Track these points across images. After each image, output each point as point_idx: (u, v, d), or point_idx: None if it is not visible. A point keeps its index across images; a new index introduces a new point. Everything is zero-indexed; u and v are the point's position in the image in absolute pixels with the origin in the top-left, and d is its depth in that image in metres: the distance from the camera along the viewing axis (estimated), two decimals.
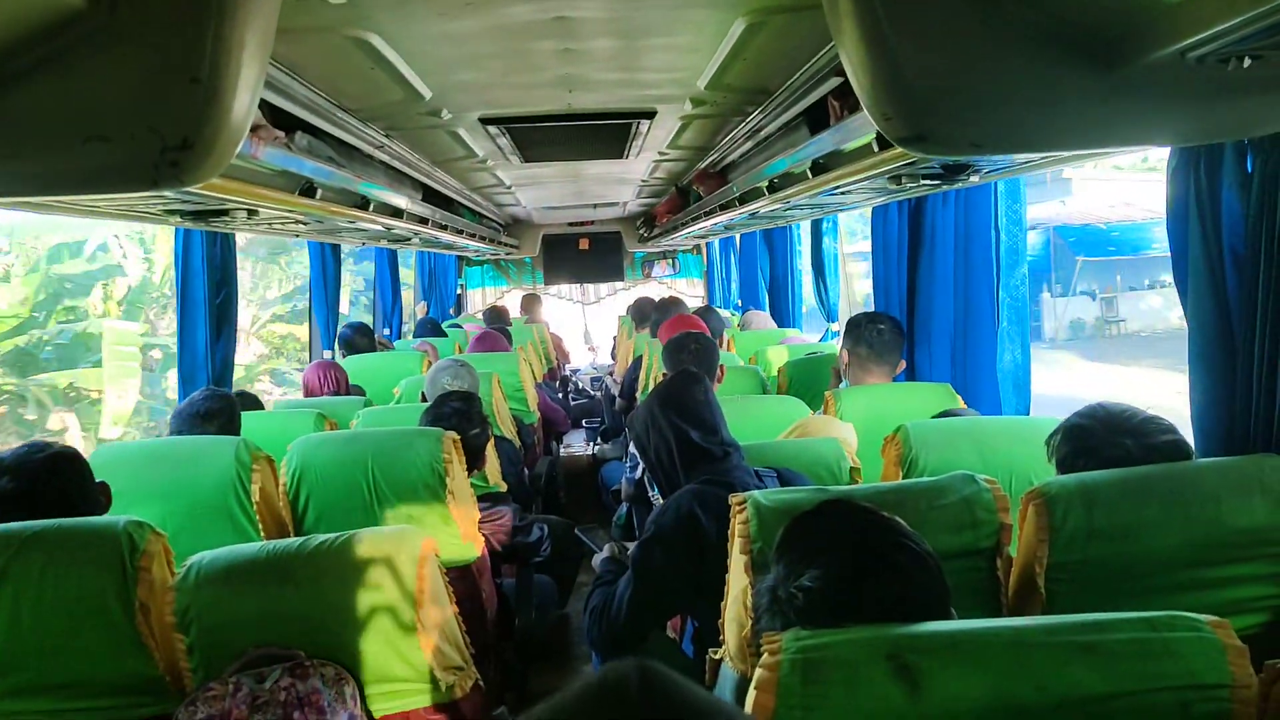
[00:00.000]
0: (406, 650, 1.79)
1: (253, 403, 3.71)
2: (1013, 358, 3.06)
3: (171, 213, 2.49)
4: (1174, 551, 1.69)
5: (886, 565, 1.26)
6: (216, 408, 2.90)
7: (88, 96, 1.49)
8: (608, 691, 0.57)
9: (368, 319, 7.01)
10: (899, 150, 2.03)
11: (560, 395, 7.64)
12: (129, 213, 2.50)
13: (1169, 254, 2.04)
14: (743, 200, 3.90)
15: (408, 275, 8.84)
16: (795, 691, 1.07)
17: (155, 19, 1.45)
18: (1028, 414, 3.07)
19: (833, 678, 1.06)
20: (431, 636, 1.81)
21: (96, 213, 2.39)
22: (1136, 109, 1.56)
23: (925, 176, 2.38)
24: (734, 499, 1.78)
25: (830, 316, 5.65)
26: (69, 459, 2.09)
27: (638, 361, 5.55)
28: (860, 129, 2.20)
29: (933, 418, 2.70)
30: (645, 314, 6.92)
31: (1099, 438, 1.86)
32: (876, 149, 2.14)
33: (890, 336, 3.22)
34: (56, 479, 2.03)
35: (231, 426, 2.93)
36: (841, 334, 3.36)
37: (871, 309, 3.73)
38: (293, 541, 1.84)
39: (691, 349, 3.56)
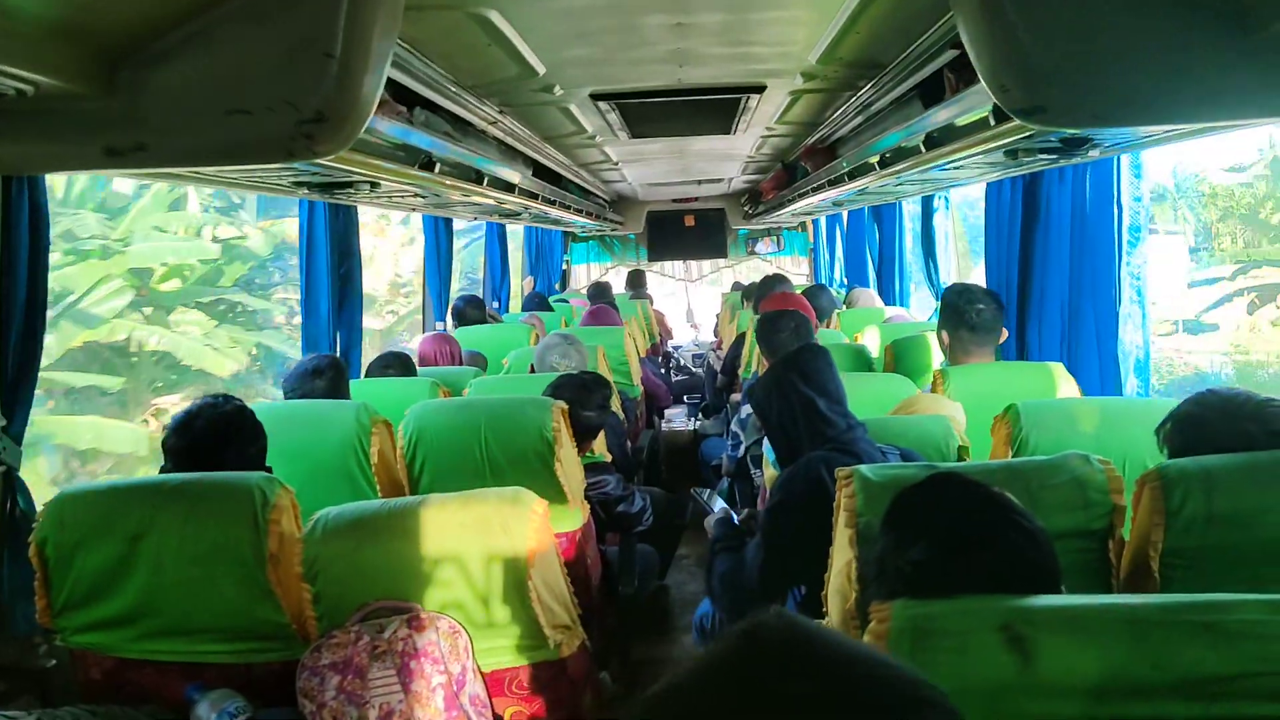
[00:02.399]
0: (517, 607, 1.86)
1: (405, 361, 3.78)
2: (1134, 340, 2.96)
3: (300, 184, 2.60)
4: None
5: (996, 540, 1.26)
6: (324, 364, 3.05)
7: (229, 72, 1.58)
8: (754, 641, 0.60)
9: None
10: (1016, 123, 2.00)
11: (662, 371, 7.68)
12: (261, 184, 2.62)
13: None
14: (851, 176, 3.86)
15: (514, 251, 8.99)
16: (904, 659, 1.08)
17: None
18: (1148, 396, 2.98)
19: (943, 645, 1.07)
20: (541, 595, 1.88)
21: (231, 184, 2.52)
22: (1274, 77, 1.49)
23: (1043, 151, 2.32)
24: (840, 472, 1.79)
25: (938, 295, 5.54)
26: (256, 431, 2.24)
27: (740, 339, 5.55)
28: (976, 102, 2.16)
29: None
30: (748, 293, 6.92)
31: (1216, 425, 1.80)
32: (993, 122, 2.10)
33: (990, 315, 3.09)
34: (240, 449, 2.16)
35: (341, 381, 3.06)
36: (939, 313, 3.26)
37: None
38: (413, 499, 1.93)
39: (791, 328, 3.55)
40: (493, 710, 1.87)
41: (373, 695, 1.78)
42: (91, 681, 1.94)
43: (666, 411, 6.86)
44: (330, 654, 1.81)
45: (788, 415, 2.37)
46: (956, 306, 3.14)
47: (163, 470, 2.11)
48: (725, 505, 2.65)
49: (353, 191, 2.69)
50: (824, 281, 8.44)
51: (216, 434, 2.13)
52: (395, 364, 3.77)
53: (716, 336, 8.34)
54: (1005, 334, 3.28)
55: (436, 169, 2.78)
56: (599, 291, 7.49)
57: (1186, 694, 1.03)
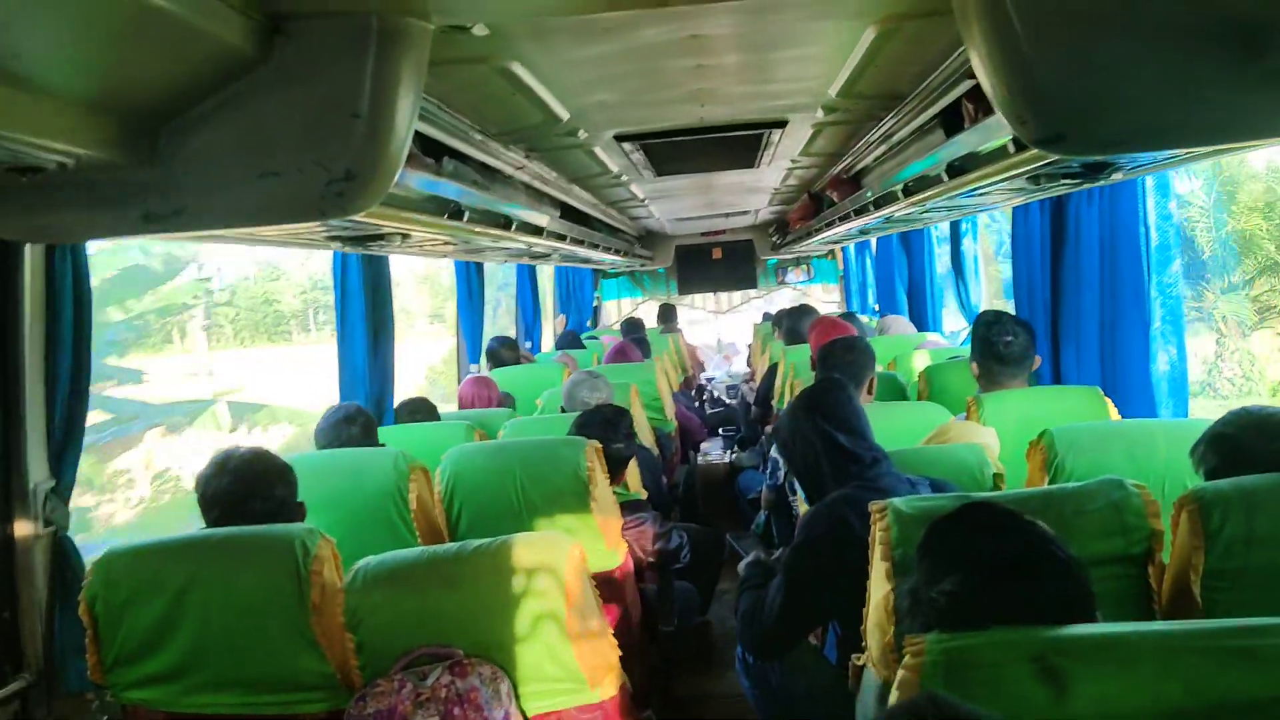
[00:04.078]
0: (558, 650, 1.87)
1: (428, 409, 3.89)
2: (1168, 358, 2.94)
3: (333, 239, 2.66)
4: None
5: (1028, 570, 1.26)
6: (354, 412, 3.12)
7: (261, 136, 1.63)
8: None
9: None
10: (1036, 151, 2.01)
11: (696, 404, 7.69)
12: (294, 240, 2.68)
13: None
14: (877, 205, 3.87)
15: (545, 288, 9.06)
16: (938, 691, 1.08)
17: (318, 59, 1.59)
18: (1185, 416, 2.94)
19: (976, 679, 1.07)
20: (581, 638, 1.89)
21: (265, 241, 2.58)
22: None
23: (1065, 176, 2.33)
24: (874, 506, 1.79)
25: (970, 318, 5.51)
26: (285, 473, 2.26)
27: (773, 369, 5.55)
28: (997, 130, 2.17)
29: None
30: (779, 323, 6.92)
31: (1251, 445, 1.79)
32: (1013, 150, 2.12)
33: (1020, 345, 3.05)
34: (267, 492, 2.19)
35: (372, 429, 3.13)
36: (970, 343, 3.22)
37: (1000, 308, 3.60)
38: (451, 546, 1.96)
39: (846, 359, 3.41)
40: None
41: None
42: None
43: (702, 445, 6.86)
44: (375, 703, 1.83)
45: (810, 454, 2.38)
46: (986, 339, 3.10)
47: (206, 525, 2.15)
48: (759, 550, 2.66)
49: (385, 243, 2.75)
50: (855, 308, 8.42)
51: (248, 476, 2.17)
52: (421, 410, 3.83)
53: (750, 367, 8.34)
54: (1039, 361, 3.24)
55: (465, 217, 2.83)
56: (632, 327, 7.53)
57: (1222, 719, 1.03)
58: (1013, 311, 3.64)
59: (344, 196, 1.70)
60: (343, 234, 2.60)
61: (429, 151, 2.58)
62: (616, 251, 6.85)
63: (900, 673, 1.13)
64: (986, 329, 3.12)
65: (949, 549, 1.36)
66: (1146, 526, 1.69)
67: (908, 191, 3.31)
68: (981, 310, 4.37)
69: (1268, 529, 1.63)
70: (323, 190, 1.70)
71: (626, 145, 3.64)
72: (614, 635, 2.07)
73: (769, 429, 5.17)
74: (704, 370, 9.52)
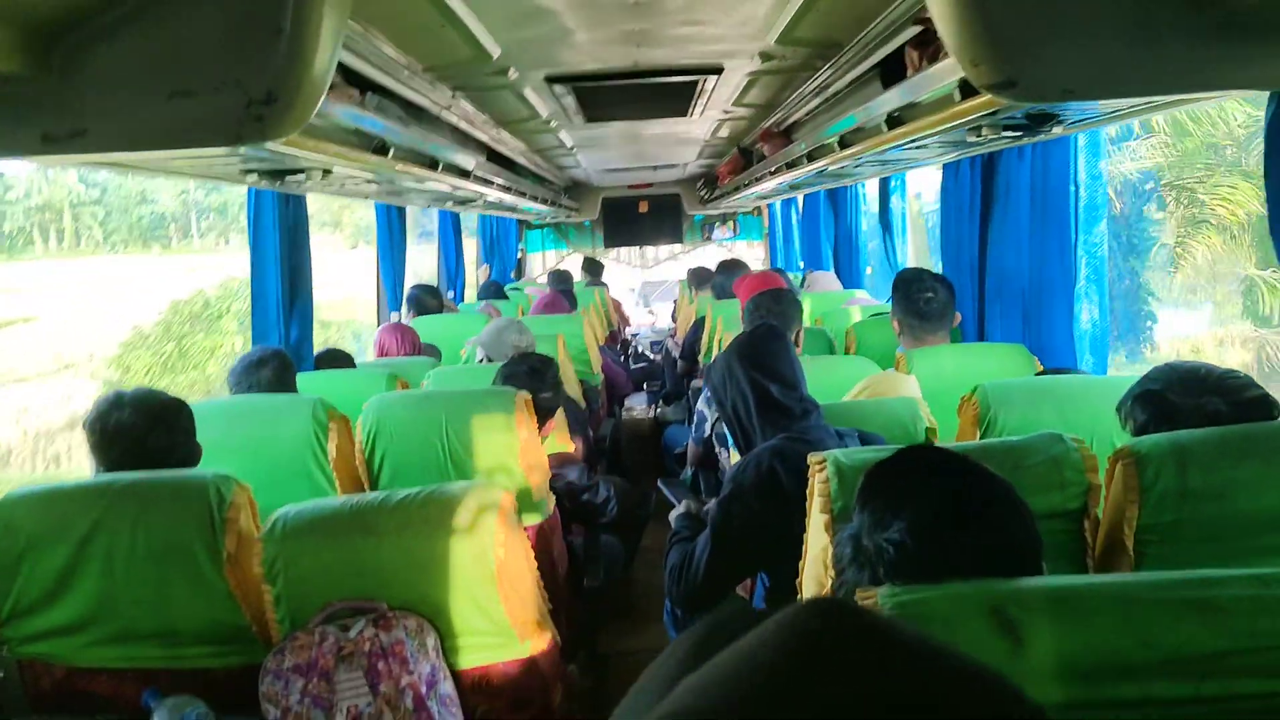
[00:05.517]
0: (486, 604, 1.81)
1: (345, 360, 3.78)
2: (1091, 317, 2.98)
3: (249, 172, 2.51)
4: (1272, 512, 1.64)
5: (979, 515, 1.23)
6: (268, 355, 2.98)
7: (172, 51, 1.49)
8: (804, 640, 0.47)
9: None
10: (983, 100, 1.98)
11: (621, 359, 7.64)
12: (207, 172, 2.53)
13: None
14: (811, 157, 3.84)
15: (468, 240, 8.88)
16: None
17: None
18: (1105, 374, 2.99)
19: (932, 632, 1.03)
20: (510, 591, 1.83)
21: (175, 172, 2.42)
22: (1241, 50, 1.48)
23: (1008, 127, 2.31)
24: (813, 458, 1.76)
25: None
26: (182, 409, 2.16)
27: (699, 324, 5.53)
28: (940, 79, 2.13)
29: None
30: (704, 278, 6.91)
31: (1180, 400, 1.81)
32: (959, 98, 2.08)
33: (940, 301, 3.14)
34: (168, 425, 2.09)
35: (287, 374, 2.99)
36: (891, 300, 3.28)
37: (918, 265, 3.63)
38: (376, 495, 1.87)
39: (775, 309, 3.50)
40: (463, 709, 1.82)
41: (340, 698, 1.72)
42: (41, 693, 1.86)
43: (626, 400, 6.82)
44: (294, 656, 1.75)
45: (740, 403, 2.35)
46: (907, 295, 3.18)
47: (103, 468, 2.03)
48: (690, 499, 2.62)
49: (304, 179, 2.61)
50: (780, 265, 8.44)
51: (148, 410, 2.07)
52: (340, 361, 3.72)
53: (674, 323, 8.32)
54: (959, 318, 3.30)
55: (390, 154, 2.70)
56: (559, 278, 7.43)
57: (1177, 673, 1.02)
58: (939, 269, 3.67)
59: (263, 121, 1.57)
60: (260, 166, 2.46)
61: (352, 83, 2.45)
62: (543, 201, 6.72)
63: None
64: (906, 286, 3.20)
65: (894, 494, 1.30)
66: (1084, 481, 1.70)
67: (843, 143, 3.28)
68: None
69: (1200, 483, 1.64)
70: (241, 114, 1.57)
71: (558, 88, 3.53)
72: (542, 589, 2.02)
73: (695, 384, 5.16)
74: (629, 325, 9.48)
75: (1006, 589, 1.07)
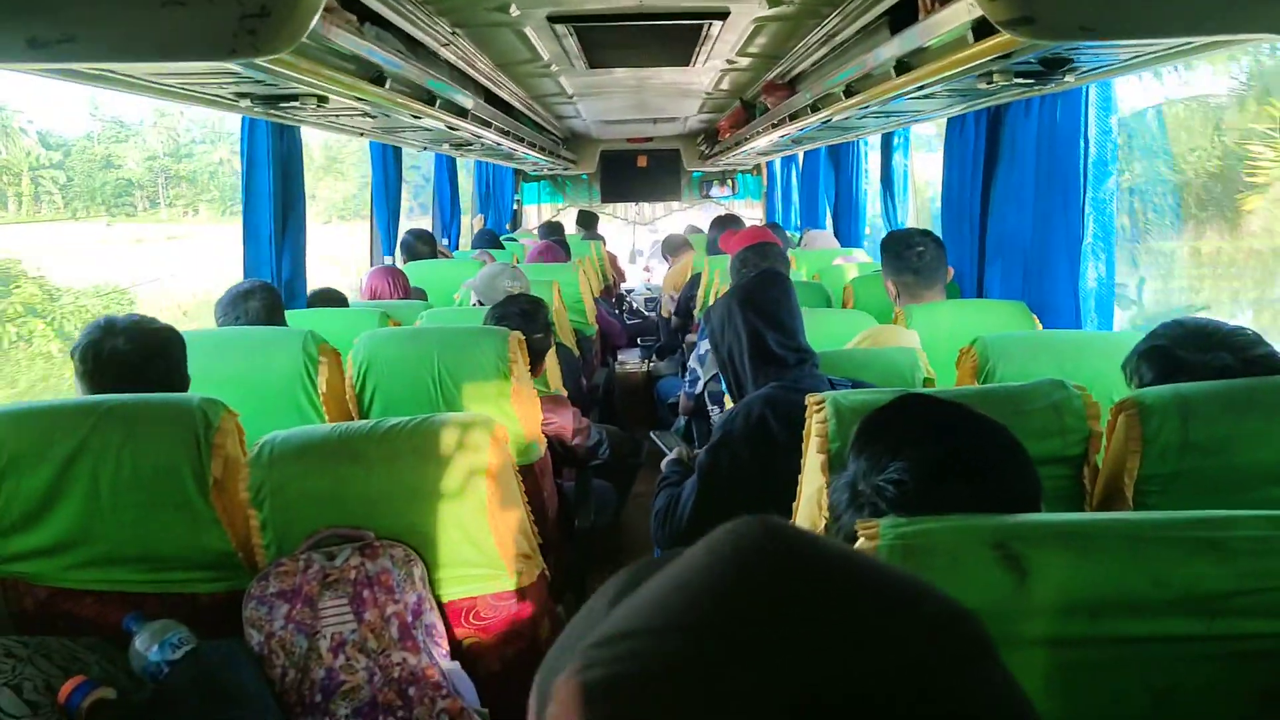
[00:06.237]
0: (476, 534, 1.79)
1: (338, 300, 3.75)
2: (1098, 275, 2.94)
3: (242, 95, 2.45)
4: (1271, 466, 1.62)
5: (978, 457, 1.21)
6: (256, 287, 2.96)
7: None
8: (741, 554, 0.47)
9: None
10: (996, 41, 1.93)
11: (616, 313, 7.60)
12: (199, 94, 2.46)
13: None
14: (815, 108, 3.78)
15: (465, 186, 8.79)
16: None
17: None
18: (1110, 330, 2.96)
19: (934, 564, 1.01)
20: (500, 522, 1.81)
21: (167, 93, 2.36)
22: None
23: (1020, 74, 2.26)
24: (811, 398, 1.73)
25: None
26: (177, 338, 2.14)
27: (695, 279, 5.49)
28: (952, 20, 2.08)
29: None
30: (677, 245, 7.10)
31: (1189, 356, 1.78)
32: (972, 40, 2.03)
33: (931, 254, 3.15)
34: (164, 353, 2.08)
35: (275, 306, 2.96)
36: (882, 262, 3.28)
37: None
38: (366, 423, 1.84)
39: (759, 264, 3.48)
40: (450, 639, 1.81)
41: (324, 625, 1.70)
42: (24, 612, 1.83)
43: (620, 353, 6.80)
44: (279, 582, 1.73)
45: (736, 347, 2.32)
46: (897, 252, 3.19)
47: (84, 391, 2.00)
48: (682, 446, 2.60)
49: (298, 106, 2.55)
50: (778, 221, 8.38)
51: (144, 339, 2.04)
52: (333, 301, 3.69)
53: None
54: (951, 272, 3.29)
55: (387, 85, 2.64)
56: (552, 229, 7.36)
57: (1186, 610, 1.00)
58: (938, 230, 3.64)
59: (257, 35, 1.53)
60: (253, 90, 2.40)
61: (351, 9, 2.39)
62: (541, 149, 6.64)
63: None
64: (896, 245, 3.23)
65: (891, 438, 1.28)
66: (1085, 428, 1.68)
67: (849, 92, 3.22)
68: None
69: (1201, 436, 1.62)
70: (235, 26, 1.53)
71: (560, 28, 3.46)
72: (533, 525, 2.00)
73: (690, 339, 5.14)
74: (624, 281, 9.42)
75: (1012, 524, 1.05)
